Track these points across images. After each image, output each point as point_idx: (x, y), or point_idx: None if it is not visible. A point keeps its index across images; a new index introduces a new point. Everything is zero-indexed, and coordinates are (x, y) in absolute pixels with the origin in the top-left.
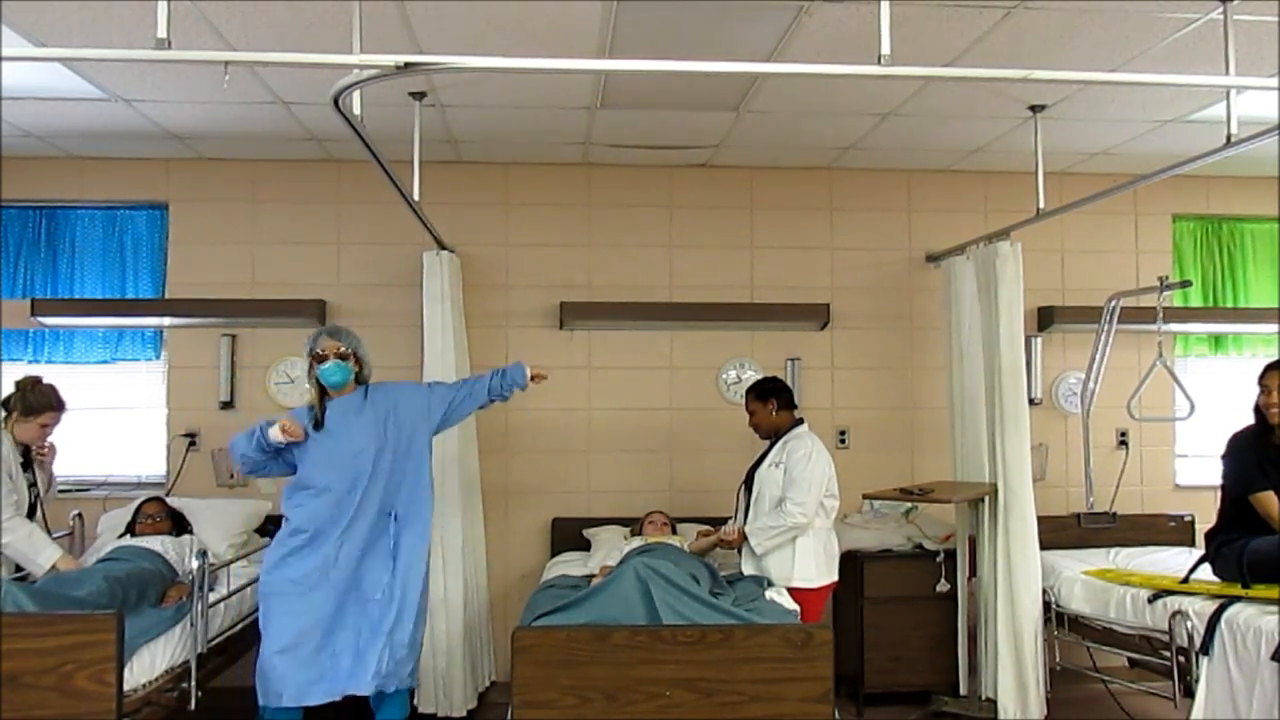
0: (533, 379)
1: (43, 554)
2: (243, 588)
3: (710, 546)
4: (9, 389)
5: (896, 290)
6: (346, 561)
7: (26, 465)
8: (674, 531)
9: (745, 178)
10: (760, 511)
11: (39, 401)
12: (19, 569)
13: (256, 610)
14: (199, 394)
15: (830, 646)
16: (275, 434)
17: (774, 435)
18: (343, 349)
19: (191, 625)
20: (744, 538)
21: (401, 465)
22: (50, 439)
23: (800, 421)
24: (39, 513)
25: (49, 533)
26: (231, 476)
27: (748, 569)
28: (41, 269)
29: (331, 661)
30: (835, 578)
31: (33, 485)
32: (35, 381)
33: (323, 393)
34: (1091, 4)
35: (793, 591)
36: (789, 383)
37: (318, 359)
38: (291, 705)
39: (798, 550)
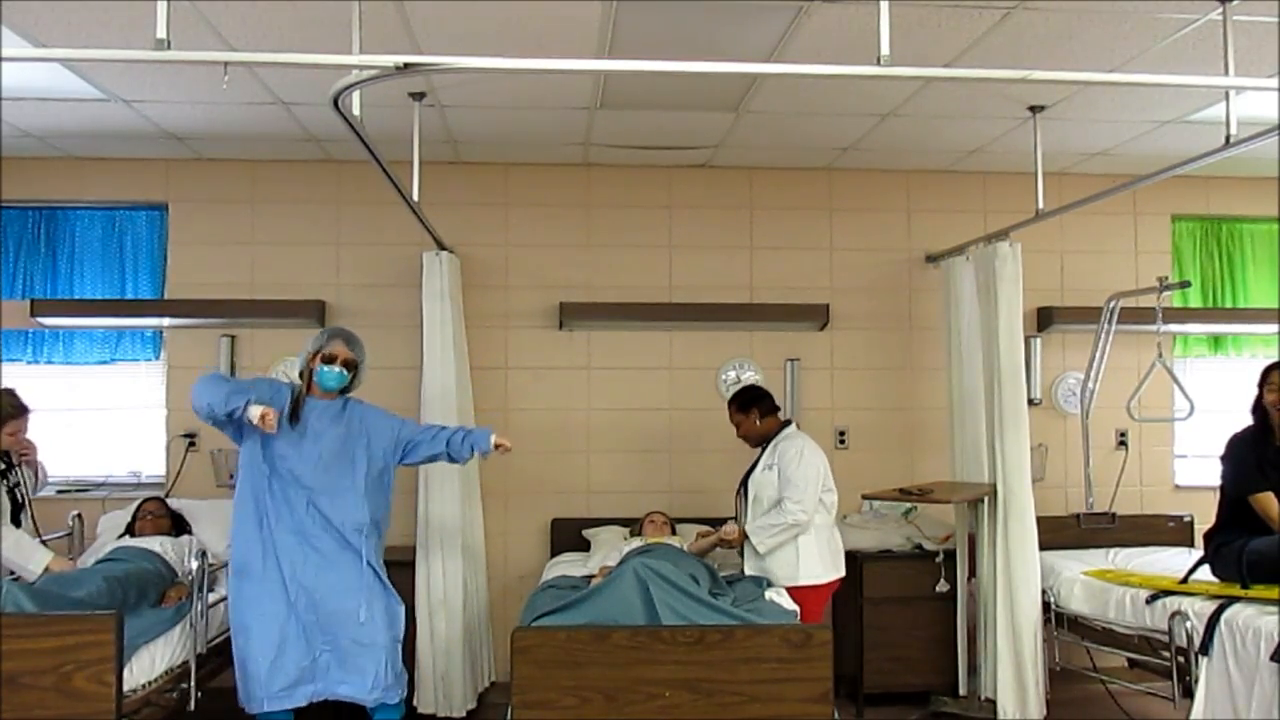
0: (496, 448)
1: (33, 559)
2: None
3: (710, 547)
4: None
5: (896, 291)
6: (309, 567)
7: (6, 471)
8: (673, 532)
9: (745, 178)
10: (758, 514)
11: None
12: None
13: None
14: None
15: (830, 647)
16: (254, 416)
17: (764, 441)
18: (352, 357)
19: (191, 626)
20: (745, 537)
21: (370, 483)
22: (26, 437)
23: (788, 423)
24: (27, 511)
25: (38, 532)
26: (231, 477)
27: (750, 569)
28: (41, 269)
29: (311, 663)
30: (842, 572)
31: (16, 486)
32: None
33: (308, 389)
34: (1091, 4)
35: (799, 589)
36: (788, 383)
37: (325, 359)
38: (274, 710)
39: (801, 548)
